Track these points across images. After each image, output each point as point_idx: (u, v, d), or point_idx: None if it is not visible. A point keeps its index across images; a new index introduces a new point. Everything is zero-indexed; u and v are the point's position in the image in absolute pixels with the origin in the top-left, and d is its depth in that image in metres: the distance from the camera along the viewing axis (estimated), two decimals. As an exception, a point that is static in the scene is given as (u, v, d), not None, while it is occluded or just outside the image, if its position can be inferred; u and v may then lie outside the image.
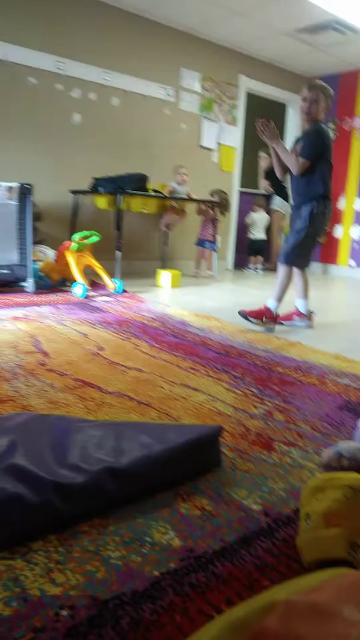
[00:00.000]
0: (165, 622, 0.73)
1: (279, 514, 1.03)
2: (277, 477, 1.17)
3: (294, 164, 2.77)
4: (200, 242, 5.39)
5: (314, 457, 1.29)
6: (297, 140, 2.89)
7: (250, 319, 2.85)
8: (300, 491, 1.04)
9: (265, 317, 2.85)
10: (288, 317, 3.04)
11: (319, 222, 2.83)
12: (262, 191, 6.46)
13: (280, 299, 2.90)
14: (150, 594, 0.79)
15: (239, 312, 2.87)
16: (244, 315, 2.85)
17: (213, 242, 5.24)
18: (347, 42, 5.22)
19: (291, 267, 2.90)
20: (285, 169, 2.91)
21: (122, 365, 1.98)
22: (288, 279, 2.91)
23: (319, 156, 2.76)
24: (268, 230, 6.33)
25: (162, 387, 1.75)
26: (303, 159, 2.74)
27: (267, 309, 2.88)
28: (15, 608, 0.74)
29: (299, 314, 3.02)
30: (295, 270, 2.98)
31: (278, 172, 2.97)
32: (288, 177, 2.97)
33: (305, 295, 3.02)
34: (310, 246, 2.89)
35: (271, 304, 2.89)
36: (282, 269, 2.92)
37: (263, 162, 6.41)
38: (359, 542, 0.83)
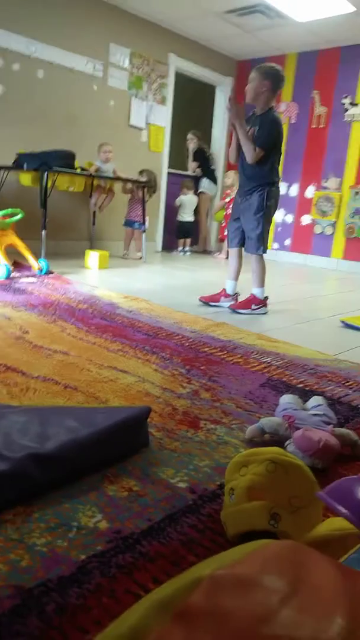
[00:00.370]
0: (92, 605, 0.73)
1: (204, 490, 1.05)
2: (203, 455, 1.20)
3: (251, 152, 2.80)
4: (129, 223, 5.32)
5: (238, 434, 1.33)
6: (249, 121, 2.89)
7: (240, 310, 2.94)
8: (226, 467, 1.07)
9: (254, 305, 2.95)
10: (215, 299, 3.10)
11: (272, 207, 2.93)
12: (191, 173, 6.48)
13: (263, 284, 3.01)
14: (76, 578, 0.78)
15: (229, 308, 2.98)
16: (234, 310, 2.95)
17: (142, 222, 5.20)
18: (274, 27, 5.30)
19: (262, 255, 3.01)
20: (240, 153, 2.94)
21: (48, 349, 1.93)
22: (263, 265, 3.03)
23: (273, 146, 2.82)
24: (196, 212, 6.37)
25: (89, 370, 1.72)
26: (259, 149, 2.78)
27: (254, 297, 2.98)
28: None
29: (226, 295, 3.09)
30: (234, 252, 3.07)
31: (233, 156, 2.99)
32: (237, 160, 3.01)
33: (236, 277, 3.12)
34: (268, 230, 3.00)
35: (257, 291, 3.00)
36: (254, 259, 3.02)
37: (191, 144, 6.41)
38: (280, 512, 0.87)
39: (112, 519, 0.93)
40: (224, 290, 3.12)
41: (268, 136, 2.80)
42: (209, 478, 1.10)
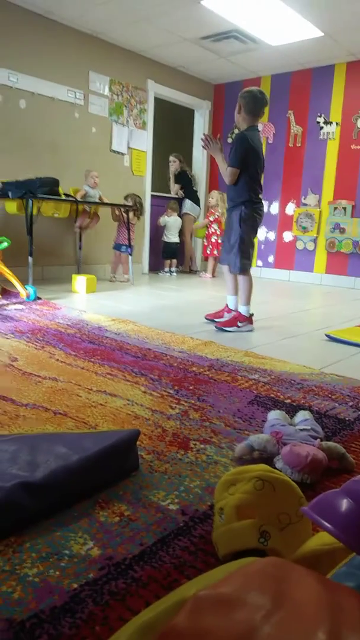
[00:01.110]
0: (85, 634, 0.73)
1: (195, 511, 1.06)
2: (193, 476, 1.21)
3: (226, 175, 2.88)
4: (117, 247, 5.37)
5: (228, 453, 1.34)
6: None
7: (226, 328, 2.96)
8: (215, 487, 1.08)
9: (239, 322, 2.98)
10: (219, 315, 3.20)
11: (250, 225, 2.97)
12: (173, 195, 6.56)
13: (249, 302, 3.04)
14: (69, 608, 0.78)
15: (216, 327, 3.00)
16: (220, 328, 2.97)
17: (128, 246, 5.25)
18: (248, 51, 5.45)
19: (248, 272, 3.04)
20: None
21: (37, 375, 1.93)
22: (249, 282, 3.06)
23: (243, 162, 2.87)
24: (181, 233, 6.44)
25: (78, 396, 1.73)
26: (230, 168, 2.85)
27: (240, 314, 3.01)
28: None
29: (229, 310, 3.19)
30: (226, 269, 3.14)
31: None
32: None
33: (235, 292, 3.20)
34: (249, 247, 3.02)
35: (242, 309, 3.02)
36: (240, 278, 3.06)
37: (173, 166, 6.50)
38: (269, 530, 0.88)
39: (104, 545, 0.93)
40: (226, 306, 3.22)
41: (235, 153, 2.87)
42: (200, 499, 1.11)
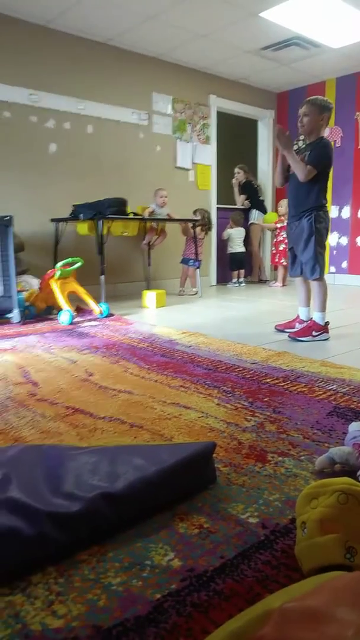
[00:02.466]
0: (170, 644, 0.73)
1: (276, 525, 1.03)
2: (272, 489, 1.18)
3: (302, 171, 2.84)
4: (184, 261, 5.44)
5: (307, 465, 1.30)
6: (300, 151, 2.95)
7: (300, 338, 2.92)
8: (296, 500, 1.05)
9: (314, 330, 2.93)
10: (290, 325, 3.16)
11: (323, 229, 2.93)
12: (240, 206, 6.55)
13: (324, 309, 2.98)
14: (153, 618, 0.78)
15: (289, 337, 2.96)
16: (294, 338, 2.94)
17: (196, 260, 5.29)
18: (311, 56, 5.37)
19: (322, 278, 2.99)
20: (287, 179, 3.01)
21: (113, 389, 1.98)
22: (324, 289, 3.00)
23: (324, 168, 2.86)
24: (248, 243, 6.41)
25: (153, 408, 1.75)
26: (311, 167, 2.83)
27: (314, 322, 2.96)
28: (17, 644, 0.74)
29: (301, 321, 3.13)
30: (298, 280, 3.13)
31: (279, 181, 3.07)
32: (287, 188, 3.07)
33: (307, 303, 3.15)
34: (324, 253, 2.98)
35: (317, 316, 2.97)
36: (314, 284, 3.01)
37: (239, 177, 6.51)
38: (355, 546, 0.84)
39: (185, 557, 0.93)
40: (298, 316, 3.17)
41: (319, 156, 2.83)
42: (280, 512, 1.08)
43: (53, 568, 0.90)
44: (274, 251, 6.23)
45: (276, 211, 6.34)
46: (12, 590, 0.85)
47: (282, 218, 6.05)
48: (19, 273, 3.88)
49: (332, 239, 6.38)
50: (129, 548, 0.96)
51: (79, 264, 3.80)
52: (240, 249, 6.30)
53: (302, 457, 1.35)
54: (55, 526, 0.94)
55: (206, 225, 5.45)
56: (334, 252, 6.38)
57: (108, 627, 0.76)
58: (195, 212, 5.48)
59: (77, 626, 0.77)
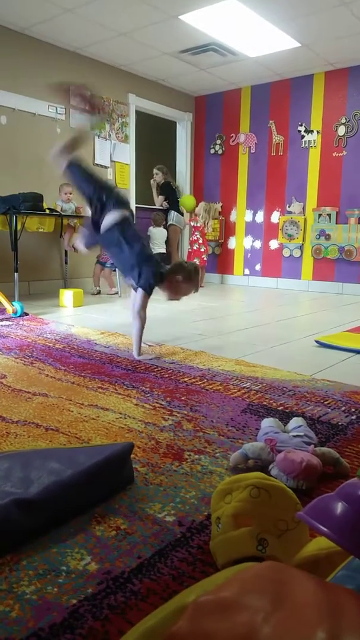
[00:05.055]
0: (86, 649, 0.72)
1: (192, 522, 1.05)
2: (189, 486, 1.20)
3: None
4: (102, 263, 5.38)
5: (222, 462, 1.34)
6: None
7: None
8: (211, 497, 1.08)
9: None
10: None
11: None
12: (158, 206, 6.60)
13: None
14: (68, 624, 0.77)
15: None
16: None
17: (112, 263, 5.27)
18: (227, 63, 5.53)
19: None
20: None
21: (27, 392, 1.91)
22: None
23: None
24: (167, 244, 6.47)
25: (70, 410, 1.72)
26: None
27: None
28: None
29: None
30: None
31: None
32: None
33: None
34: None
35: None
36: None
37: (157, 178, 6.55)
38: (266, 537, 0.88)
39: (102, 560, 0.93)
40: None
41: None
42: (196, 509, 1.11)
43: None
44: (190, 250, 6.35)
45: (193, 213, 6.45)
46: None
47: (197, 217, 6.19)
48: None
49: (247, 242, 6.62)
50: (44, 554, 0.94)
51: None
52: (161, 249, 6.34)
53: (218, 454, 1.39)
54: None
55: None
56: (248, 255, 6.63)
57: (21, 638, 0.74)
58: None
59: (-13, 641, 0.74)
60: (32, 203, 4.23)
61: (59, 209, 4.86)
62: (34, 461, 1.15)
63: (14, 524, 0.96)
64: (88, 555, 0.94)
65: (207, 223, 6.22)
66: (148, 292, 2.50)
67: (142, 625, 0.48)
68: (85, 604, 0.81)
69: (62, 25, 4.63)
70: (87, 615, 0.79)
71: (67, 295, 4.34)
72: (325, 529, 0.65)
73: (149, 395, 1.90)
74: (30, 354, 2.51)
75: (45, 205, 4.47)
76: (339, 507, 0.69)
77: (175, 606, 0.49)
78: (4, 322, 3.43)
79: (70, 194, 4.97)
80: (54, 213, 4.64)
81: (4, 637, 0.74)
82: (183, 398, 1.87)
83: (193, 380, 2.11)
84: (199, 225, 6.15)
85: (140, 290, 2.50)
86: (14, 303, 3.71)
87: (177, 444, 1.45)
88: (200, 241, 6.18)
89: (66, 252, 5.30)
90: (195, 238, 6.21)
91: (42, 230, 4.74)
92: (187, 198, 6.60)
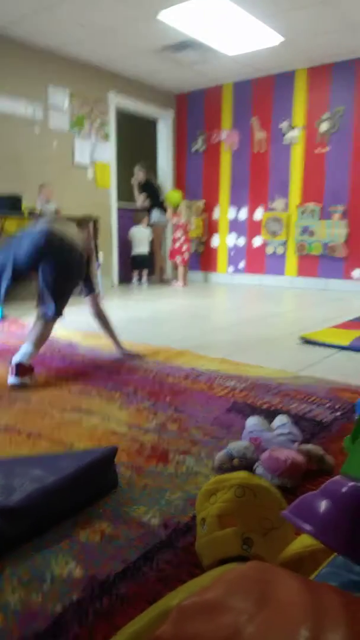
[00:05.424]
0: (71, 657, 0.72)
1: (177, 524, 1.05)
2: (174, 488, 1.20)
3: None
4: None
5: (208, 462, 1.34)
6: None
7: None
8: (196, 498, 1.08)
9: None
10: None
11: None
12: (140, 205, 6.57)
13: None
14: (53, 632, 0.76)
15: None
16: None
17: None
18: (207, 61, 5.52)
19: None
20: None
21: (7, 397, 1.89)
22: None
23: None
24: (150, 243, 6.46)
25: (52, 415, 1.70)
26: None
27: None
28: None
29: None
30: None
31: None
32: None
33: None
34: None
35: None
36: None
37: (138, 177, 6.51)
38: (252, 536, 0.88)
39: (87, 565, 0.92)
40: None
41: None
42: (182, 511, 1.10)
43: None
44: (171, 248, 6.34)
45: (176, 210, 6.43)
46: None
47: (180, 215, 6.18)
48: None
49: (230, 239, 6.63)
50: (27, 562, 0.93)
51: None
52: (143, 249, 6.32)
53: (203, 455, 1.38)
54: None
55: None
56: (232, 252, 6.64)
57: (5, 649, 0.73)
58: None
59: (-30, 653, 0.73)
60: (11, 205, 4.19)
61: (38, 210, 4.81)
62: (16, 468, 1.14)
63: (-3, 532, 0.95)
64: (73, 561, 0.93)
65: (190, 220, 6.24)
66: None
67: (127, 630, 0.48)
68: (70, 610, 0.80)
69: (37, 23, 4.57)
70: (72, 622, 0.78)
71: (49, 297, 4.29)
72: (308, 527, 0.65)
73: (132, 397, 1.89)
74: (9, 358, 2.47)
75: (24, 207, 4.42)
76: (323, 504, 0.69)
77: (160, 610, 0.49)
78: (-14, 326, 3.39)
79: (50, 193, 4.93)
80: (33, 215, 4.59)
81: (-12, 648, 0.73)
82: (167, 399, 1.87)
83: (177, 380, 2.11)
84: (181, 223, 6.15)
85: None
86: (-5, 306, 3.66)
87: (162, 446, 1.44)
88: (182, 239, 6.18)
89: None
90: (178, 236, 6.22)
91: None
92: (173, 193, 6.58)
